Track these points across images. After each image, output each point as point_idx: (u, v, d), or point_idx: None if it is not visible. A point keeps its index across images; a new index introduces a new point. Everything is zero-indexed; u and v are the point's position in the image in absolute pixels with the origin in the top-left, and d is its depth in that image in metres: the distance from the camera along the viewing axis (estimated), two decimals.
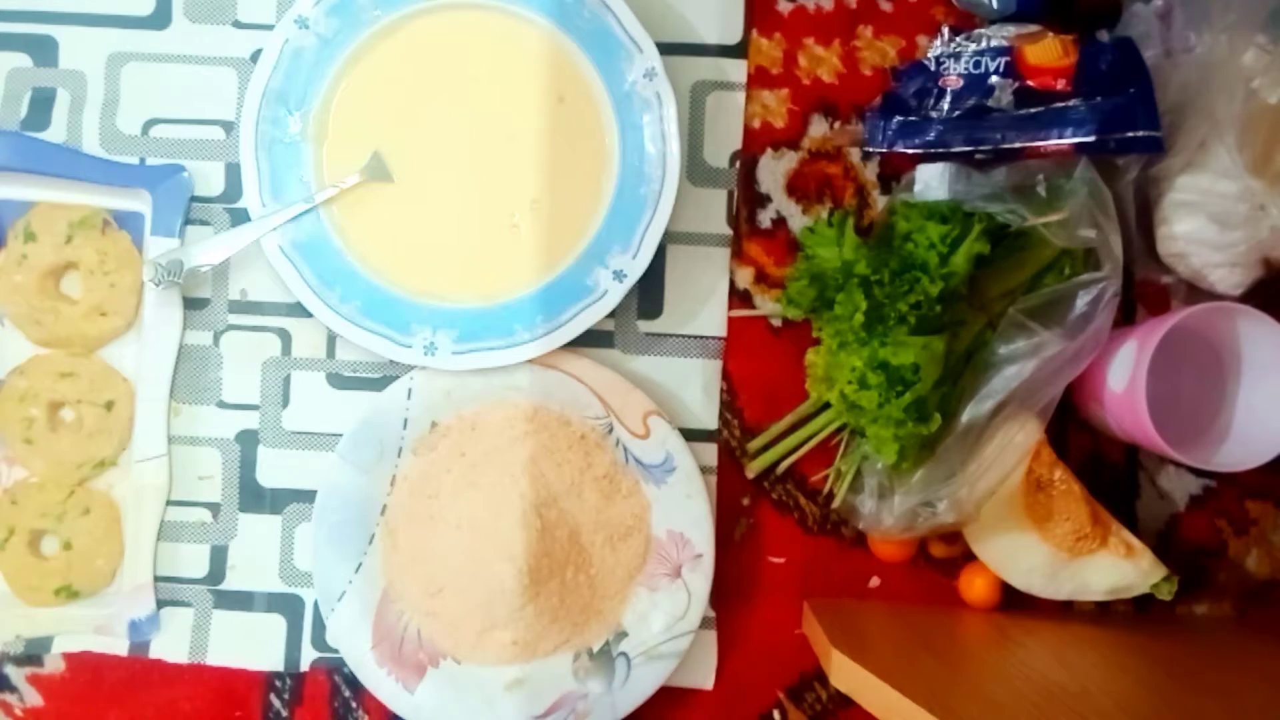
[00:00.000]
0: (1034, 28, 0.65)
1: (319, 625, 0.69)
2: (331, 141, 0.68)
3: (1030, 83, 0.63)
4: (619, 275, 0.67)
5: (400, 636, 0.67)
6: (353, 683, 0.69)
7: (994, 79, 0.64)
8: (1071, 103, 0.62)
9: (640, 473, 0.68)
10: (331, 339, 0.70)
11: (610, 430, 0.68)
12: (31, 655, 0.69)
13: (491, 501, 0.66)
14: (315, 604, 0.69)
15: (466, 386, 0.68)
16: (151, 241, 0.69)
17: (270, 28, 0.69)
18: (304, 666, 0.69)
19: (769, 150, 0.71)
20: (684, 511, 0.67)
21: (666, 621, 0.67)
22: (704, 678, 0.68)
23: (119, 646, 0.69)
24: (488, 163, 0.69)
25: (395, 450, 0.68)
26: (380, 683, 0.67)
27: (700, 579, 0.67)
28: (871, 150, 0.68)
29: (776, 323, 0.70)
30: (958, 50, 0.66)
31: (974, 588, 0.67)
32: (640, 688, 0.66)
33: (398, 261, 0.68)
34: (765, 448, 0.68)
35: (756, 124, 0.71)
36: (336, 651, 0.69)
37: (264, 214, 0.67)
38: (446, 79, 0.69)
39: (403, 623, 0.67)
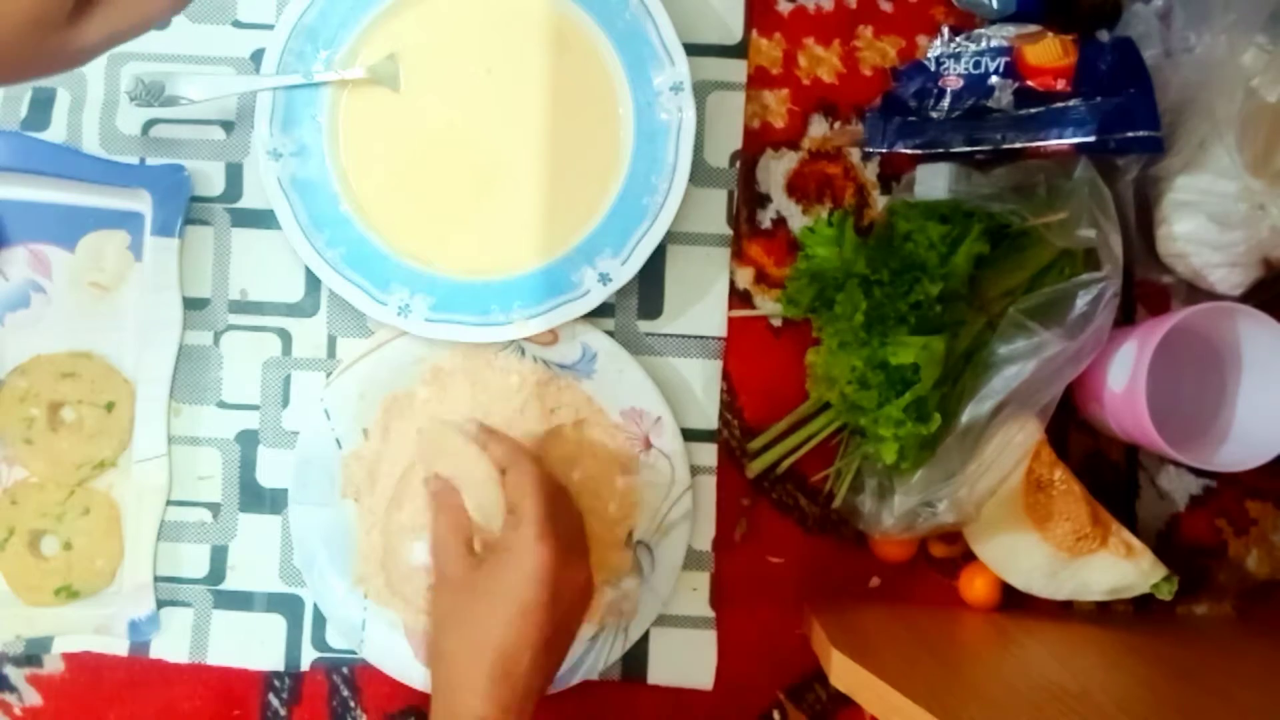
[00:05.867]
0: (1034, 28, 0.65)
1: (319, 625, 0.69)
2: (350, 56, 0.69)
3: (1030, 83, 0.63)
4: (604, 278, 0.67)
5: None
6: (351, 682, 0.69)
7: (994, 79, 0.64)
8: (1071, 103, 0.62)
9: (570, 375, 0.68)
10: (332, 339, 0.70)
11: (523, 352, 0.68)
12: (31, 655, 0.69)
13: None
14: (315, 604, 0.69)
15: (375, 382, 0.68)
16: (151, 241, 0.69)
17: (270, 27, 0.69)
18: (304, 666, 0.69)
19: (769, 150, 0.71)
20: (624, 386, 0.68)
21: (659, 492, 0.67)
22: (704, 678, 0.68)
23: (119, 646, 0.69)
24: (496, 133, 0.69)
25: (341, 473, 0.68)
26: None
27: (669, 438, 0.68)
28: (871, 150, 0.68)
29: (776, 323, 0.70)
30: (958, 50, 0.66)
31: (974, 588, 0.67)
32: (670, 563, 0.68)
33: (390, 217, 0.68)
34: (765, 448, 0.68)
35: (756, 124, 0.71)
36: (337, 651, 0.69)
37: (260, 78, 0.68)
38: (475, 45, 0.69)
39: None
